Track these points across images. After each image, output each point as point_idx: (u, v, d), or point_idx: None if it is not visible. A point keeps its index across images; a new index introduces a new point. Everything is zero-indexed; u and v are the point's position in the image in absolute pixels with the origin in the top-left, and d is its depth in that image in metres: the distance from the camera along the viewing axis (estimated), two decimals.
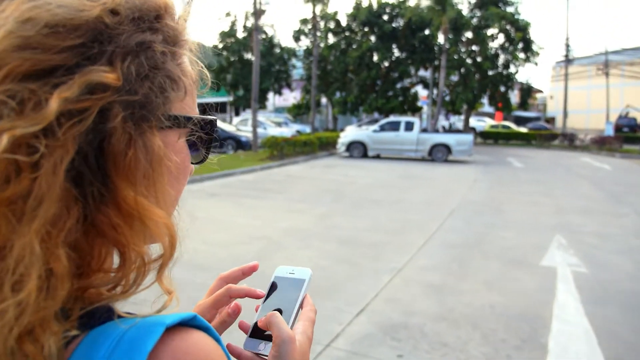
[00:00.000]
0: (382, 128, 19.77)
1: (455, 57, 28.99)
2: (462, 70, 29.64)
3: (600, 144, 26.48)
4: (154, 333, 0.40)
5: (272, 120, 28.43)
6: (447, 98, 30.25)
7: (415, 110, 32.69)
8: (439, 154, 18.83)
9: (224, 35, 34.00)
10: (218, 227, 6.93)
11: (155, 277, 0.46)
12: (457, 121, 40.39)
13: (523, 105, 33.78)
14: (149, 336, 0.40)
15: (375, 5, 30.88)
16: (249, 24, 32.74)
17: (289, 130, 25.05)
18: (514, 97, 35.80)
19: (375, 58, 31.33)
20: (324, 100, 36.97)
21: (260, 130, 22.83)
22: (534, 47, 30.51)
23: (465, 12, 29.23)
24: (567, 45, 36.75)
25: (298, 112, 34.94)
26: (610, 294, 4.81)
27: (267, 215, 8.02)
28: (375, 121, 23.40)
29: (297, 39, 34.06)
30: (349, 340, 3.62)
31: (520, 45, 30.25)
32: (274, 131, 23.24)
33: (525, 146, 31.18)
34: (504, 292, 4.75)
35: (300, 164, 16.81)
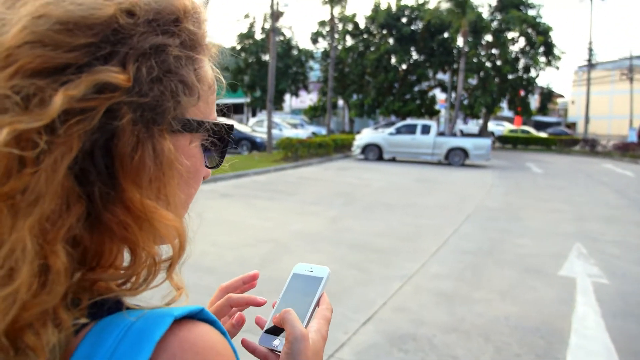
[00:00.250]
0: (398, 131, 19.55)
1: (475, 60, 28.61)
2: (481, 73, 29.22)
3: (623, 150, 25.87)
4: (162, 324, 0.41)
5: (287, 121, 28.34)
6: (466, 102, 29.85)
7: (433, 113, 32.32)
8: (455, 157, 18.53)
9: (242, 37, 34.10)
10: (228, 228, 6.83)
11: (166, 274, 0.47)
12: (475, 125, 39.90)
13: (543, 109, 33.12)
14: (157, 326, 0.40)
15: (394, 8, 30.61)
16: (267, 25, 32.76)
17: (304, 132, 24.94)
18: (534, 101, 35.17)
19: (393, 61, 31.08)
20: (340, 102, 36.82)
21: (275, 131, 22.81)
22: (556, 51, 29.99)
23: (485, 15, 28.78)
24: (590, 50, 36.04)
25: (314, 114, 34.82)
26: (632, 307, 4.57)
27: (278, 217, 7.90)
28: (392, 124, 23.15)
29: (314, 40, 33.98)
30: (354, 349, 3.47)
31: (542, 49, 29.73)
32: (290, 133, 23.15)
33: (545, 151, 30.63)
34: (519, 302, 4.54)
35: (314, 165, 16.68)
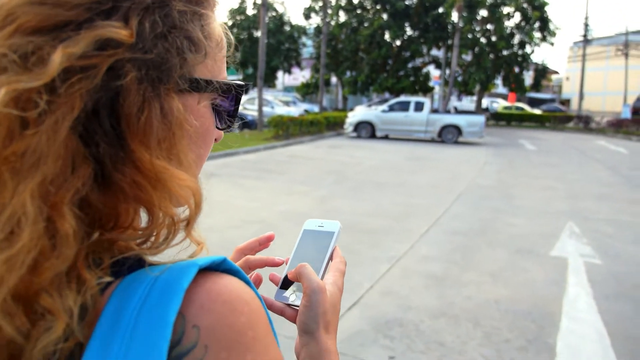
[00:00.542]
0: (391, 108, 19.28)
1: (469, 36, 28.19)
2: (476, 49, 28.81)
3: (617, 127, 25.78)
4: (188, 273, 0.41)
5: (280, 99, 27.92)
6: (460, 78, 29.50)
7: (427, 90, 31.98)
8: (449, 135, 18.34)
9: (233, 12, 33.43)
10: (213, 209, 6.64)
11: (185, 231, 0.46)
12: (470, 102, 39.62)
13: (536, 86, 32.84)
14: (183, 276, 0.41)
15: None
16: (259, 0, 32.07)
17: (296, 110, 24.59)
18: (529, 78, 34.86)
19: (387, 37, 30.55)
20: (334, 79, 36.35)
21: (267, 109, 22.47)
22: (551, 27, 29.59)
23: None
24: (586, 25, 35.62)
25: (307, 91, 34.36)
26: (625, 288, 4.46)
27: (265, 197, 7.72)
28: (386, 101, 22.84)
29: (307, 16, 33.33)
30: (338, 337, 3.29)
31: (537, 25, 29.33)
32: (282, 110, 22.80)
33: (538, 128, 30.50)
34: (510, 284, 4.42)
35: (305, 144, 16.45)
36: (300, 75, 39.86)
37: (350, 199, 7.75)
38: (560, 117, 31.55)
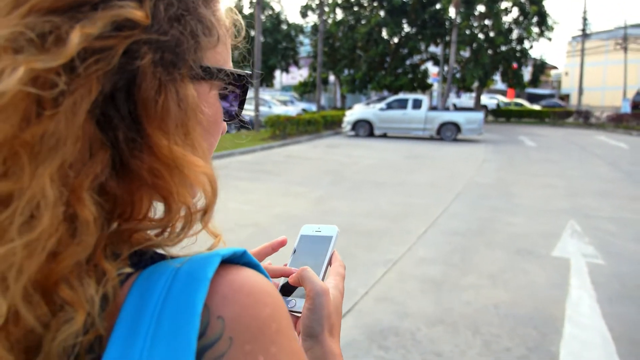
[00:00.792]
0: (389, 106, 19.12)
1: (467, 32, 27.97)
2: (474, 45, 28.62)
3: (617, 122, 25.63)
4: (211, 263, 0.40)
5: (277, 98, 27.71)
6: (458, 75, 29.31)
7: (426, 87, 31.78)
8: (447, 132, 18.18)
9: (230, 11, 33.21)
10: None
11: (201, 223, 0.45)
12: (469, 99, 39.44)
13: (535, 82, 32.63)
14: (207, 266, 0.40)
15: None
16: None
17: (294, 109, 24.39)
18: (527, 73, 34.67)
19: (385, 34, 30.35)
20: (332, 78, 36.16)
21: (265, 108, 22.30)
22: (549, 21, 29.38)
23: None
24: (585, 19, 35.43)
25: (304, 90, 34.18)
26: (629, 289, 4.31)
27: (260, 199, 7.57)
28: (384, 99, 22.69)
29: (304, 14, 33.16)
30: None
31: (535, 20, 29.11)
32: (279, 110, 22.61)
33: (538, 124, 30.33)
34: (510, 288, 4.27)
35: (303, 143, 16.30)
36: (298, 74, 39.69)
37: (347, 200, 7.60)
38: (559, 113, 31.38)
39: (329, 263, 0.66)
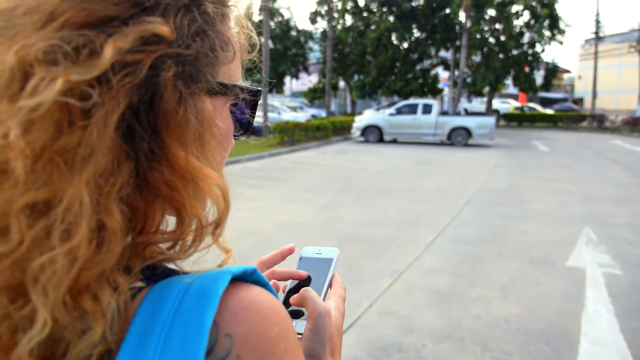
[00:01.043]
0: (399, 111, 18.93)
1: (478, 36, 27.74)
2: (485, 49, 28.34)
3: (633, 125, 25.15)
4: (222, 280, 0.41)
5: (287, 104, 27.66)
6: (469, 79, 29.02)
7: (436, 92, 31.55)
8: (458, 137, 17.92)
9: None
10: None
11: (213, 237, 0.45)
12: (480, 103, 39.07)
13: (547, 85, 32.18)
14: (218, 282, 0.40)
15: None
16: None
17: (304, 115, 24.31)
18: (540, 77, 34.23)
19: (394, 39, 30.20)
20: (342, 83, 36.05)
21: (274, 115, 22.24)
22: (561, 25, 29.00)
23: None
24: (598, 22, 34.96)
25: (314, 96, 34.10)
26: None
27: (266, 206, 7.43)
28: (394, 104, 22.48)
29: (313, 20, 33.13)
30: None
31: (547, 23, 28.76)
32: (289, 116, 22.53)
33: (551, 128, 29.91)
34: (522, 300, 4.07)
35: (311, 149, 16.16)
36: (308, 81, 39.65)
37: (354, 207, 7.43)
38: (573, 117, 30.91)
39: (330, 285, 0.66)
